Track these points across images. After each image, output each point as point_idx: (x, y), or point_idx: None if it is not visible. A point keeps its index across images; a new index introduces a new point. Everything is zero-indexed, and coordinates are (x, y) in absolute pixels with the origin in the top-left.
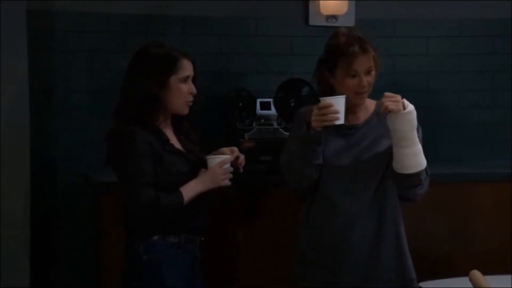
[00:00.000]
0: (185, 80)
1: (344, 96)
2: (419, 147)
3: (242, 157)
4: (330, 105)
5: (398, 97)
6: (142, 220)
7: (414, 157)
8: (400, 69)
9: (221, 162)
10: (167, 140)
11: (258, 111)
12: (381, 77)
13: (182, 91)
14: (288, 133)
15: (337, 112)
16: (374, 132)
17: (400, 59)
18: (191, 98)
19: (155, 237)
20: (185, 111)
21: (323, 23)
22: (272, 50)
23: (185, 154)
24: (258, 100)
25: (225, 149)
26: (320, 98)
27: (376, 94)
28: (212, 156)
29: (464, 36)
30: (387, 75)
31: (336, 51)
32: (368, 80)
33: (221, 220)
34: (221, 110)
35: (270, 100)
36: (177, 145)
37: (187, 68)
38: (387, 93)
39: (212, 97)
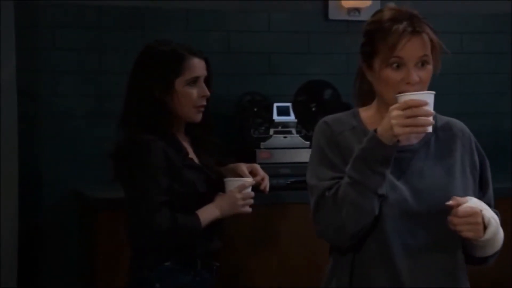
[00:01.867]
0: (194, 82)
1: (434, 92)
2: (500, 232)
3: (266, 179)
4: (423, 104)
5: (478, 217)
6: (156, 244)
7: (495, 244)
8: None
9: (241, 187)
10: (187, 153)
11: (275, 117)
12: None
13: (190, 96)
14: (308, 143)
15: (430, 114)
16: (436, 158)
17: None
18: (202, 102)
19: (168, 263)
20: (197, 117)
21: (345, 17)
22: (287, 48)
23: (205, 171)
24: (275, 105)
25: (243, 166)
26: (399, 95)
27: None
28: (231, 179)
29: (501, 32)
30: None
31: (375, 30)
32: (420, 75)
33: (235, 242)
34: (232, 116)
35: (289, 105)
36: (195, 158)
37: (196, 68)
38: (461, 210)
39: (220, 102)
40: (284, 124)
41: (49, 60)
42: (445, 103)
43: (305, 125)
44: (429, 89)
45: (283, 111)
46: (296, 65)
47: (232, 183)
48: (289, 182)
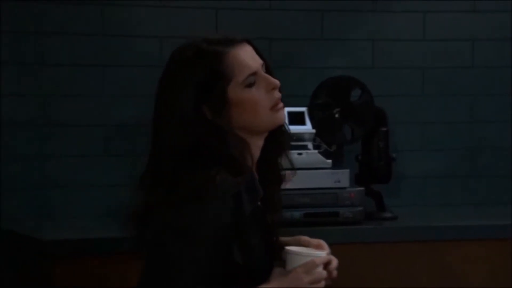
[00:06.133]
0: (253, 80)
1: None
2: None
3: (335, 261)
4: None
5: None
6: None
7: None
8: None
9: (310, 266)
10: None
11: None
12: None
13: (256, 98)
14: (331, 161)
15: None
16: None
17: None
18: (276, 95)
19: None
20: (280, 118)
21: None
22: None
23: (266, 226)
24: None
25: (307, 240)
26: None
27: None
28: (296, 250)
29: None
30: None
31: None
32: None
33: None
34: None
35: (303, 109)
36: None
37: (244, 60)
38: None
39: None
40: (298, 137)
41: None
42: None
43: (326, 138)
44: None
45: (296, 118)
46: (307, 55)
47: (298, 258)
48: (304, 214)
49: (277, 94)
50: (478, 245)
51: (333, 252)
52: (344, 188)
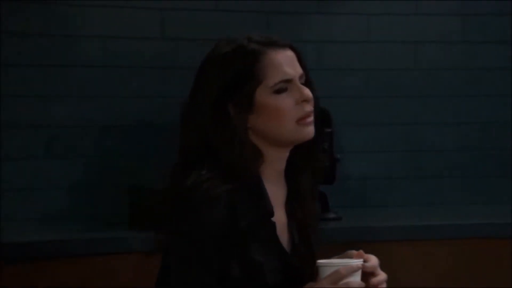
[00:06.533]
0: (284, 87)
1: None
2: None
3: (382, 276)
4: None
5: None
6: None
7: None
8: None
9: (335, 276)
10: (271, 211)
11: None
12: None
13: (284, 106)
14: None
15: None
16: None
17: None
18: (307, 109)
19: None
20: (307, 133)
21: None
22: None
23: (284, 251)
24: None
25: (355, 252)
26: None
27: None
28: (325, 261)
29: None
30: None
31: None
32: None
33: None
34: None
35: None
36: (283, 218)
37: (281, 64)
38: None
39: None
40: None
41: None
42: None
43: None
44: None
45: None
46: None
47: (325, 269)
48: None
49: (308, 108)
50: (416, 245)
51: None
52: None
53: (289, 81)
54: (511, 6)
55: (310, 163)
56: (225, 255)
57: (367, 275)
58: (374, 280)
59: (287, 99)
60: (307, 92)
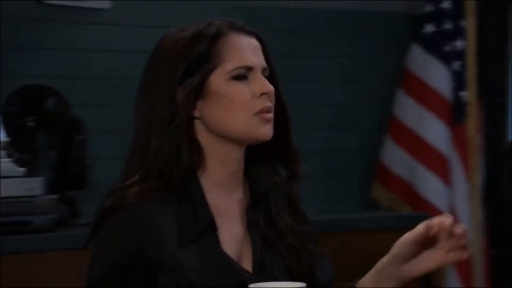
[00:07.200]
0: (243, 74)
1: None
2: None
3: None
4: None
5: None
6: None
7: None
8: None
9: None
10: (212, 223)
11: None
12: None
13: (239, 96)
14: (24, 170)
15: None
16: None
17: None
18: (266, 103)
19: None
20: (264, 132)
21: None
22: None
23: (230, 263)
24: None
25: None
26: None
27: None
28: (258, 285)
29: None
30: None
31: None
32: None
33: None
34: None
35: None
36: (234, 231)
37: (244, 48)
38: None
39: None
40: None
41: None
42: None
43: (19, 146)
44: None
45: None
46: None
47: None
48: None
49: (268, 103)
50: None
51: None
52: (37, 196)
53: (250, 69)
54: None
55: (281, 163)
56: (147, 278)
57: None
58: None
59: (245, 88)
60: (269, 85)
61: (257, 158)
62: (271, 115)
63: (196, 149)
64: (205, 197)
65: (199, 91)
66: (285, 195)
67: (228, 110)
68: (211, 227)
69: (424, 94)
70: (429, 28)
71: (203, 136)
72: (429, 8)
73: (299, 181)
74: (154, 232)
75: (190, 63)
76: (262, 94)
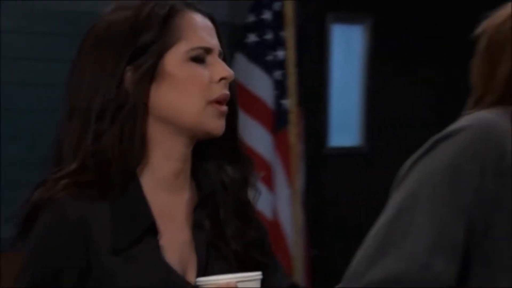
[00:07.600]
0: (201, 57)
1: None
2: None
3: None
4: None
5: None
6: None
7: None
8: None
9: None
10: (152, 226)
11: None
12: None
13: (198, 78)
14: None
15: None
16: None
17: None
18: (224, 91)
19: None
20: (216, 125)
21: None
22: None
23: (168, 268)
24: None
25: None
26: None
27: None
28: (206, 280)
29: None
30: None
31: None
32: None
33: None
34: None
35: None
36: (178, 234)
37: (202, 28)
38: None
39: None
40: None
41: None
42: None
43: None
44: None
45: None
46: None
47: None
48: None
49: (226, 90)
50: None
51: None
52: None
53: (208, 50)
54: None
55: (230, 164)
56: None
57: None
58: None
59: (203, 71)
60: (229, 70)
61: (205, 156)
62: (226, 109)
63: (141, 141)
64: (146, 197)
65: (152, 74)
66: (235, 199)
67: (184, 94)
68: (152, 231)
69: (247, 102)
70: (252, 38)
71: (150, 125)
72: (251, 18)
73: (251, 186)
74: (83, 237)
75: (140, 41)
76: (222, 79)
